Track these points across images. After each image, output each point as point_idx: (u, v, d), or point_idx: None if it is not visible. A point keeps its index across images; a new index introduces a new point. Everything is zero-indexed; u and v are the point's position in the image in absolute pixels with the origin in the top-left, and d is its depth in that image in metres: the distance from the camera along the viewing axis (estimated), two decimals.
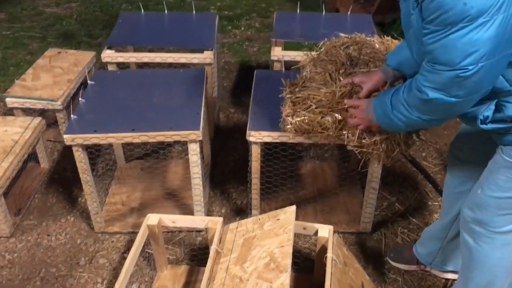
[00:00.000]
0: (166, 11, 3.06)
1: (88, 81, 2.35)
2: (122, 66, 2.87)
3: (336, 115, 1.78)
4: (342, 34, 2.18)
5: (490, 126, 1.40)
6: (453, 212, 1.84)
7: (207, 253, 1.77)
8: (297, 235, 2.25)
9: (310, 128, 1.84)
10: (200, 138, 2.04)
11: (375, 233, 2.33)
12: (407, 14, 1.37)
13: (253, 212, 2.28)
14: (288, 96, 1.93)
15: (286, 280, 1.53)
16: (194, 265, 2.16)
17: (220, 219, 1.88)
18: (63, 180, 2.66)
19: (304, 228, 1.86)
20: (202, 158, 2.31)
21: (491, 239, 1.54)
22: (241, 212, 2.46)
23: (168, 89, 2.30)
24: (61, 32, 4.24)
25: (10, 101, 2.73)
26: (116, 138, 2.03)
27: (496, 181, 1.46)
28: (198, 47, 2.67)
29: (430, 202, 2.51)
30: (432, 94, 1.32)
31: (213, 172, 2.70)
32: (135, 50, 3.03)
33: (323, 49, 2.11)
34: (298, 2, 3.18)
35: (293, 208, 1.80)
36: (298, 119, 1.83)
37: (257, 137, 2.02)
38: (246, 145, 2.11)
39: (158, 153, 2.81)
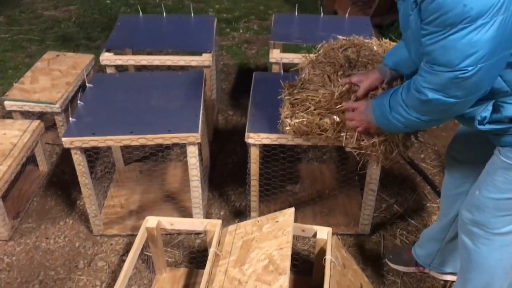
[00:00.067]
0: (164, 14, 3.06)
1: (87, 84, 2.35)
2: (120, 68, 2.86)
3: (334, 117, 1.78)
4: (340, 37, 2.18)
5: (487, 127, 1.40)
6: (452, 214, 1.84)
7: (206, 256, 1.77)
8: (296, 237, 2.25)
9: (308, 130, 1.84)
10: (199, 141, 2.04)
11: (373, 235, 2.33)
12: (406, 15, 1.37)
13: (252, 214, 2.28)
14: (286, 98, 1.92)
15: (285, 282, 1.53)
16: (193, 267, 2.15)
17: (219, 221, 1.88)
18: (62, 183, 2.66)
19: (303, 230, 1.86)
20: (201, 160, 2.31)
21: (489, 240, 1.54)
22: (240, 214, 2.46)
23: (166, 92, 2.30)
24: (60, 35, 4.24)
25: (9, 104, 2.73)
26: (114, 141, 2.03)
27: (494, 183, 1.46)
28: (196, 50, 2.67)
29: (428, 204, 2.51)
30: (431, 95, 1.32)
31: (212, 175, 2.70)
32: (134, 53, 3.02)
33: (321, 51, 2.11)
34: (296, 5, 3.18)
35: (291, 210, 1.79)
36: (297, 120, 1.83)
37: (255, 139, 2.02)
38: (245, 147, 2.11)
39: (156, 155, 2.80)
